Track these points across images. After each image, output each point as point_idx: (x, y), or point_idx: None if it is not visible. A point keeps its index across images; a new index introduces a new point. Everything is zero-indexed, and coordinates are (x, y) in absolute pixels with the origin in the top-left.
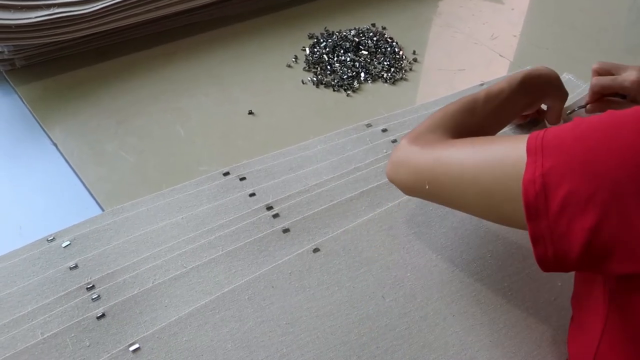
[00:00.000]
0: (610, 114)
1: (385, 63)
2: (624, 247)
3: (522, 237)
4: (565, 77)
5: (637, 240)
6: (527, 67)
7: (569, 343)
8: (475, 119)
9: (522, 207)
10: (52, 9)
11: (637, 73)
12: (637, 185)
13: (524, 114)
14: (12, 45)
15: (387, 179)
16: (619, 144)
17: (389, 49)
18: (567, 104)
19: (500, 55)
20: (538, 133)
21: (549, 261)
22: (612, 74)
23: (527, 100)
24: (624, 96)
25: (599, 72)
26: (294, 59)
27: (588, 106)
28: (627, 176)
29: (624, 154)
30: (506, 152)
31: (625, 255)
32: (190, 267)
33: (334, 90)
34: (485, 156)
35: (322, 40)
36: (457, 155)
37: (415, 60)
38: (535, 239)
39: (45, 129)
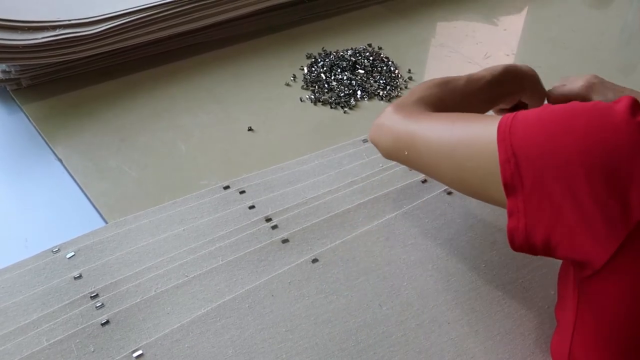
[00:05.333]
0: (574, 104)
1: (381, 81)
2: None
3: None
4: None
5: (570, 228)
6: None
7: (551, 345)
8: (454, 98)
9: (492, 183)
10: (57, 30)
11: (583, 80)
12: (585, 168)
13: (501, 107)
14: (19, 65)
15: (383, 192)
16: (575, 129)
17: (384, 67)
18: None
19: None
20: (509, 115)
21: (520, 234)
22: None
23: (503, 90)
24: None
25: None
26: (292, 78)
27: None
28: (578, 160)
29: (578, 139)
30: (480, 132)
31: (562, 238)
32: (192, 276)
33: (331, 108)
34: (461, 133)
35: (319, 59)
36: (436, 129)
37: (410, 78)
38: (511, 212)
39: (51, 146)
